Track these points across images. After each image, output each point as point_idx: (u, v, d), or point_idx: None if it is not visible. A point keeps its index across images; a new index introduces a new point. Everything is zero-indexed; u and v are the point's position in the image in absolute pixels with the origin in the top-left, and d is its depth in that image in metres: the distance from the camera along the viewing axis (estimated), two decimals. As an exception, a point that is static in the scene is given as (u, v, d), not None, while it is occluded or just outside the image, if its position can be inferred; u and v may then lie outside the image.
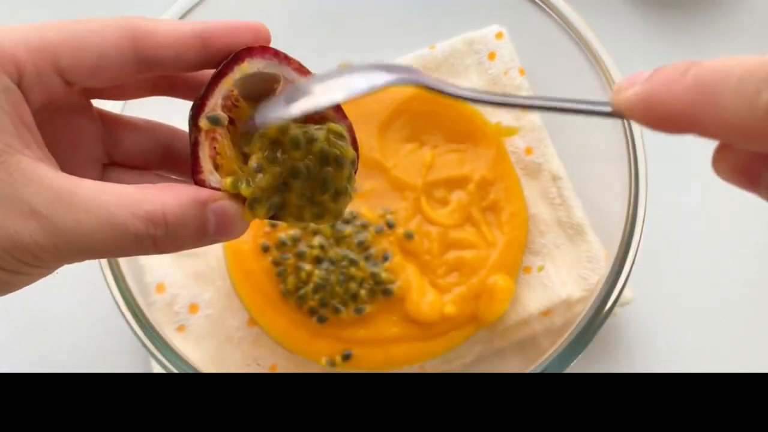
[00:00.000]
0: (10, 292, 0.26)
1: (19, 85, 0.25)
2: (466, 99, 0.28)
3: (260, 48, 0.28)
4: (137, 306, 0.39)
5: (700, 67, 0.22)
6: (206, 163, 0.28)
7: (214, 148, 0.28)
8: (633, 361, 0.49)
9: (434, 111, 0.49)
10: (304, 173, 0.29)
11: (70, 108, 0.29)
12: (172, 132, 0.33)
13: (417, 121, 0.49)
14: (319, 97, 0.27)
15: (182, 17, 0.44)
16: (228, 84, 0.28)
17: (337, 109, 0.30)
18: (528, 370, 0.39)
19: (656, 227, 0.45)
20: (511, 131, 0.49)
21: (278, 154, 0.28)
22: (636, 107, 0.23)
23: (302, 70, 0.29)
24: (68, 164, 0.28)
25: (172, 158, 0.33)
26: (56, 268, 0.27)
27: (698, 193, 0.52)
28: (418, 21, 0.51)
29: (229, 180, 0.28)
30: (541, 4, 0.44)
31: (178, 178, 0.33)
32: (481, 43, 0.50)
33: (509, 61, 0.50)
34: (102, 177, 0.31)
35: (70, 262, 0.26)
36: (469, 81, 0.50)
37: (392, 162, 0.48)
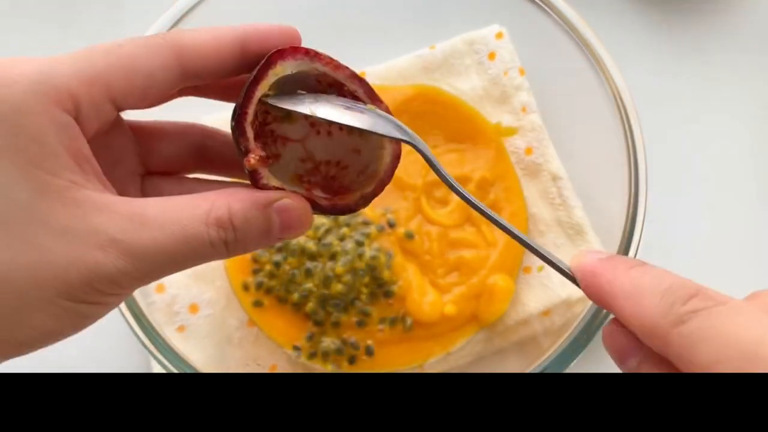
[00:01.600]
0: (89, 325, 0.27)
1: (77, 118, 0.26)
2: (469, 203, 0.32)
3: (291, 49, 0.29)
4: (137, 306, 0.39)
5: (641, 270, 0.27)
6: (263, 169, 0.28)
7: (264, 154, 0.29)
8: (633, 361, 0.49)
9: (434, 111, 0.49)
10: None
11: (106, 128, 0.29)
12: (204, 132, 0.33)
13: (417, 121, 0.49)
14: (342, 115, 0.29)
15: (182, 17, 0.44)
16: (264, 88, 0.28)
17: (374, 97, 0.30)
18: (528, 370, 0.39)
19: (656, 227, 0.45)
20: (511, 131, 0.49)
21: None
22: (583, 275, 0.29)
23: (333, 64, 0.30)
24: (111, 184, 0.28)
25: (207, 158, 0.33)
26: (131, 293, 0.27)
27: (698, 193, 0.52)
28: (418, 21, 0.51)
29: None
30: (541, 4, 0.44)
31: (217, 178, 0.33)
32: (481, 43, 0.50)
33: (509, 61, 0.50)
34: (142, 189, 0.31)
35: (149, 282, 0.27)
36: (469, 81, 0.50)
37: (392, 162, 0.48)
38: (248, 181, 0.29)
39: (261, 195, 0.28)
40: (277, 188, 0.29)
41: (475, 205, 0.31)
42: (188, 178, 0.33)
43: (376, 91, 0.30)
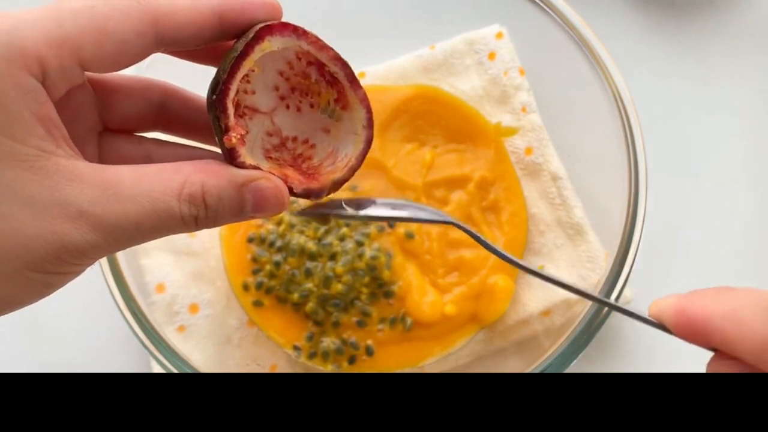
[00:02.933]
0: (51, 293, 0.26)
1: (44, 83, 0.25)
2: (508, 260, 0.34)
3: (280, 25, 0.28)
4: (137, 306, 0.39)
5: (730, 292, 0.26)
6: (241, 148, 0.28)
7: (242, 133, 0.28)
8: (633, 361, 0.49)
9: (434, 111, 0.49)
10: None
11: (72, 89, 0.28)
12: (165, 90, 0.32)
13: (417, 121, 0.49)
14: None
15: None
16: (250, 64, 0.28)
17: (354, 81, 0.30)
18: (528, 370, 0.39)
19: (656, 227, 0.45)
20: (511, 131, 0.49)
21: None
22: (670, 315, 0.27)
23: (318, 44, 0.29)
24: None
25: (165, 118, 0.32)
26: (95, 262, 0.27)
27: (698, 192, 0.52)
28: (418, 21, 0.51)
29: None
30: (541, 4, 0.44)
31: (175, 140, 0.32)
32: (481, 43, 0.50)
33: (509, 61, 0.50)
34: (99, 147, 0.30)
35: (115, 252, 0.26)
36: (469, 81, 0.50)
37: (392, 161, 0.48)
38: (211, 147, 0.29)
39: (237, 174, 0.27)
40: (253, 167, 0.28)
41: (539, 273, 0.33)
42: (146, 138, 0.32)
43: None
